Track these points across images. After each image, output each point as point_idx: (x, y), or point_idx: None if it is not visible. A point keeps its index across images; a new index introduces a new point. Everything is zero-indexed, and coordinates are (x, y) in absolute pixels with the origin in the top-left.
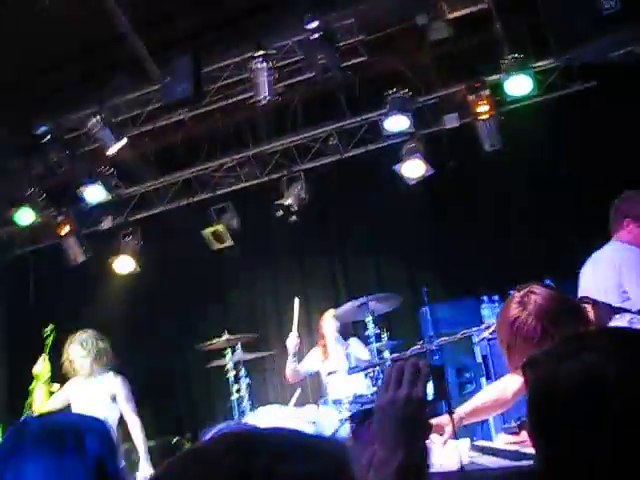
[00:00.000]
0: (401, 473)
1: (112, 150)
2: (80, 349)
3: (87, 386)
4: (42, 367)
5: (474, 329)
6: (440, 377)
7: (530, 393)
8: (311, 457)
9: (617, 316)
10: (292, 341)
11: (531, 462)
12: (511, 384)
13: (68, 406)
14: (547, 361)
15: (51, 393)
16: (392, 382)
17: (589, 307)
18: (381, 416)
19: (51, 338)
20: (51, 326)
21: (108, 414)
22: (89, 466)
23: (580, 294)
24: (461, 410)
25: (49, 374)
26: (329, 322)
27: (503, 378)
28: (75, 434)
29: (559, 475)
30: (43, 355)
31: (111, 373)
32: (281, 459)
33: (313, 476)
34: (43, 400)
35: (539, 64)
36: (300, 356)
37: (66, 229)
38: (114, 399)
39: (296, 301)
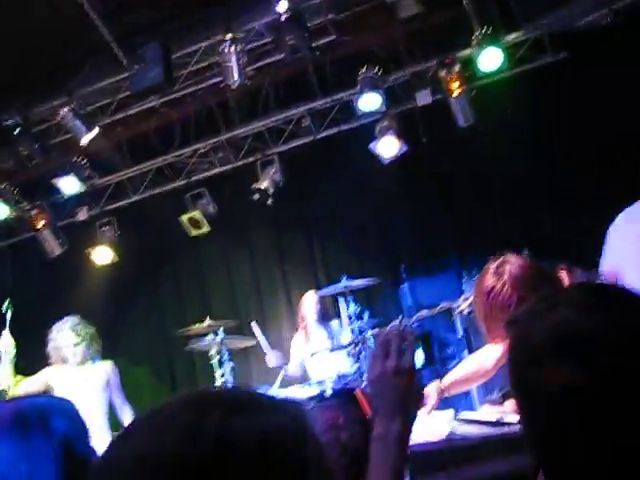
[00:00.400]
0: (399, 443)
1: (84, 140)
2: (73, 336)
3: (79, 373)
4: (6, 341)
5: (453, 302)
6: (427, 344)
7: (509, 352)
8: (266, 412)
9: None
10: (272, 360)
11: (512, 429)
12: (491, 354)
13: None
14: (524, 319)
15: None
16: (379, 355)
17: (564, 274)
18: (373, 390)
19: (10, 313)
20: (8, 300)
21: (101, 402)
22: (57, 448)
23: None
24: (442, 383)
25: (14, 350)
26: (309, 303)
27: (483, 349)
28: (41, 416)
29: (541, 434)
30: (5, 330)
31: (102, 360)
32: (234, 413)
33: (266, 430)
34: (9, 376)
35: (509, 38)
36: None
37: (41, 222)
38: (106, 386)
39: (254, 325)
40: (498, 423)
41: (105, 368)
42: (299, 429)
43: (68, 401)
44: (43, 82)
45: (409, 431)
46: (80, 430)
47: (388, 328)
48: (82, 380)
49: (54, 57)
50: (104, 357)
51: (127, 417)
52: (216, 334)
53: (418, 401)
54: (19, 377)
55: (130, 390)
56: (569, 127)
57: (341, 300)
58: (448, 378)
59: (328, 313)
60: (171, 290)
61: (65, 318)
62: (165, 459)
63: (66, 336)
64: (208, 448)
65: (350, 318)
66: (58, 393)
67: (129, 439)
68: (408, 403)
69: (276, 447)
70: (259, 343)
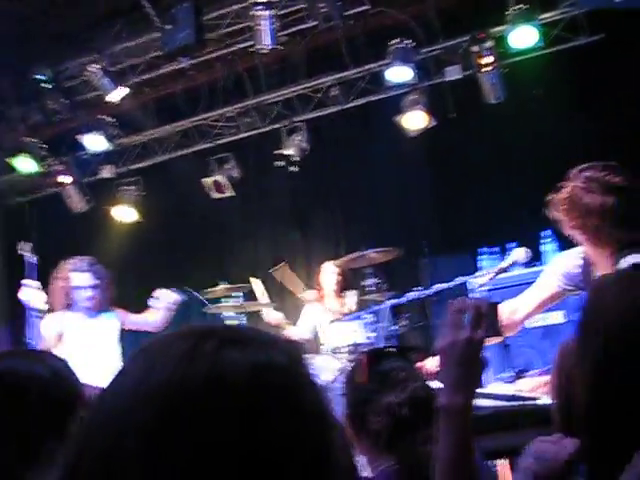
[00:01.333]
0: (463, 415)
1: (112, 98)
2: (90, 277)
3: (93, 322)
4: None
5: (472, 276)
6: (494, 315)
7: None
8: (262, 347)
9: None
10: (270, 315)
11: (527, 403)
12: (524, 305)
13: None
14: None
15: None
16: (452, 323)
17: None
18: (442, 358)
19: (34, 259)
20: (30, 246)
21: (116, 354)
22: None
23: None
24: None
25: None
26: (328, 273)
27: (517, 298)
28: None
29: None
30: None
31: (113, 310)
32: (230, 345)
33: (260, 365)
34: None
35: (545, 16)
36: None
37: (67, 178)
38: (122, 332)
39: (253, 280)
40: (513, 397)
41: (118, 314)
42: (295, 370)
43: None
44: (74, 38)
45: (471, 404)
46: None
47: (405, 298)
48: (97, 330)
49: (86, 14)
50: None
51: None
52: (233, 297)
53: (482, 373)
54: None
55: None
56: (601, 109)
57: (359, 272)
58: None
59: (346, 283)
60: (191, 252)
61: (79, 257)
62: (158, 385)
63: (83, 277)
64: (201, 374)
65: (368, 288)
66: (71, 344)
67: (127, 370)
68: (474, 376)
69: (268, 382)
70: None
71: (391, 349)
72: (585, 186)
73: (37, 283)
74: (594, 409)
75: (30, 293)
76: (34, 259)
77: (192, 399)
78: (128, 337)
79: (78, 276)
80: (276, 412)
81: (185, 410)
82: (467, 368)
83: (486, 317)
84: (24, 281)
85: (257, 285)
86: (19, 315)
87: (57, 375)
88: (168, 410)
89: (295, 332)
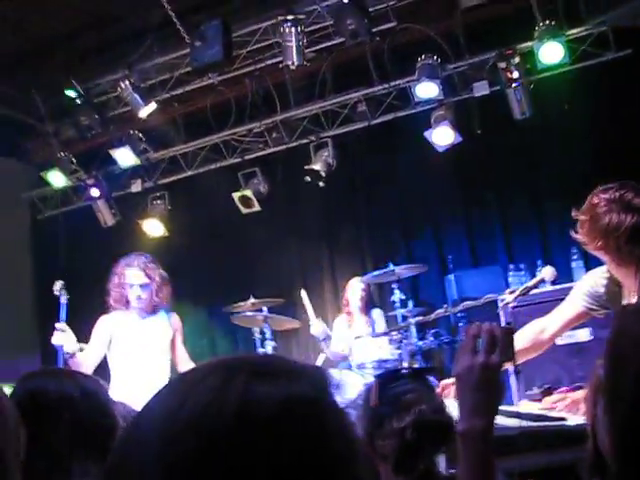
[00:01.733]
0: (483, 440)
1: (143, 114)
2: (141, 275)
3: (143, 323)
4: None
5: (499, 293)
6: (509, 339)
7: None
8: (290, 379)
9: None
10: (317, 328)
11: (553, 423)
12: (551, 324)
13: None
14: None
15: None
16: (468, 348)
17: None
18: (458, 384)
19: (64, 297)
20: (61, 284)
21: (165, 361)
22: None
23: None
24: None
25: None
26: (355, 289)
27: (544, 317)
28: None
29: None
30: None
31: (169, 312)
32: (260, 379)
33: (288, 398)
34: None
35: (572, 32)
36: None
37: (96, 192)
38: (171, 342)
39: (303, 293)
40: (540, 417)
41: (173, 321)
42: (321, 400)
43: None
44: (105, 55)
45: (492, 427)
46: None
47: (433, 316)
48: (146, 333)
49: (118, 30)
50: None
51: None
52: (260, 312)
53: (501, 398)
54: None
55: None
56: (629, 124)
57: (386, 287)
58: None
59: (373, 300)
60: (218, 267)
61: (135, 253)
62: (188, 421)
63: (134, 273)
64: (231, 411)
65: (394, 305)
66: (120, 346)
67: (158, 402)
68: (492, 400)
69: (295, 415)
70: (306, 314)
71: (404, 371)
72: (604, 206)
73: (65, 325)
74: (623, 456)
75: (62, 337)
76: (65, 298)
77: (223, 435)
78: None
79: (130, 272)
80: (303, 446)
81: (214, 447)
82: (484, 393)
83: (501, 342)
84: (57, 325)
85: (305, 298)
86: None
87: (87, 395)
88: (198, 446)
89: (334, 348)
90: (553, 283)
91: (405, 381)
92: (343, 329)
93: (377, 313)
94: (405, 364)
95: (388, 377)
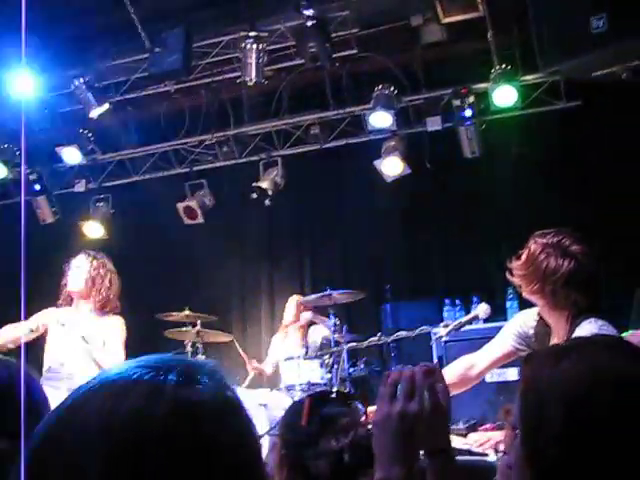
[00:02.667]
0: None
1: (94, 114)
2: (83, 261)
3: (82, 321)
4: None
5: (433, 326)
6: (435, 381)
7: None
8: (215, 379)
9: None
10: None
11: (477, 458)
12: (480, 361)
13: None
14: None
15: None
16: (386, 396)
17: None
18: (376, 432)
19: None
20: None
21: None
22: None
23: None
24: None
25: None
26: (291, 308)
27: (474, 354)
28: None
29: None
30: None
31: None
32: (189, 380)
33: (223, 397)
34: None
35: (526, 78)
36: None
37: (37, 188)
38: (103, 344)
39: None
40: (464, 451)
41: (113, 321)
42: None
43: None
44: (62, 50)
45: (411, 476)
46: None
47: (365, 344)
48: (81, 330)
49: (78, 27)
50: None
51: None
52: (193, 325)
53: (420, 448)
54: None
55: None
56: (573, 174)
57: (322, 311)
58: None
59: (309, 321)
60: (155, 276)
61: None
62: (122, 422)
63: (77, 258)
64: (166, 411)
65: (329, 329)
66: (50, 343)
67: (89, 401)
68: (411, 448)
69: (219, 411)
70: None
71: (334, 395)
72: (542, 251)
73: None
74: None
75: None
76: None
77: (157, 434)
78: None
79: (75, 259)
80: (234, 441)
81: (150, 443)
82: (402, 441)
83: (424, 387)
84: None
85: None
86: None
87: (13, 379)
88: (136, 442)
89: (263, 366)
90: (486, 320)
91: (335, 404)
92: (278, 347)
93: (313, 334)
94: (334, 389)
95: (319, 398)
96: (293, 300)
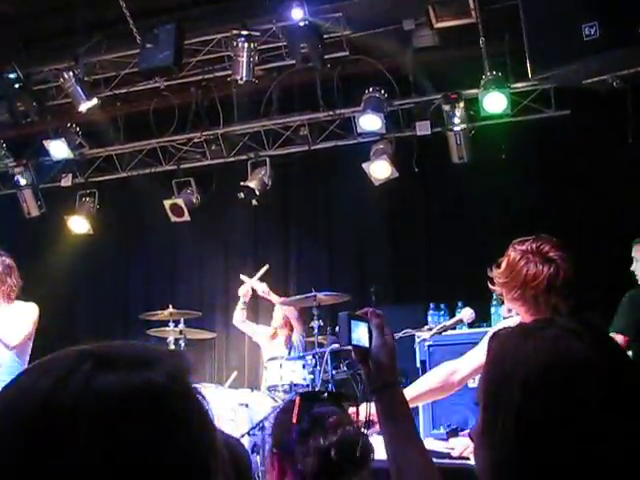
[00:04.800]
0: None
1: (82, 108)
2: None
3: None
4: None
5: (417, 330)
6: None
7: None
8: (140, 368)
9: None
10: (243, 289)
11: (457, 462)
12: (462, 367)
13: None
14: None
15: None
16: (380, 328)
17: None
18: (376, 352)
19: None
20: None
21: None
22: None
23: None
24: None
25: None
26: (278, 309)
27: (457, 360)
28: None
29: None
30: None
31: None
32: (105, 368)
33: (131, 387)
34: None
35: (516, 85)
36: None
37: (24, 181)
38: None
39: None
40: (443, 455)
41: (29, 308)
42: (171, 386)
43: None
44: (52, 43)
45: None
46: None
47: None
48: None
49: (69, 20)
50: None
51: None
52: (177, 324)
53: None
54: None
55: None
56: (559, 181)
57: (307, 313)
58: (411, 390)
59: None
60: (140, 273)
61: None
62: (28, 407)
63: None
64: (71, 399)
65: (313, 331)
66: None
67: (10, 389)
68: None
69: (138, 406)
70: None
71: (325, 393)
72: (522, 257)
73: None
74: None
75: None
76: None
77: (60, 424)
78: None
79: None
80: (145, 438)
81: (50, 436)
82: (393, 359)
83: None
84: None
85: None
86: None
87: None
88: (33, 434)
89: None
90: (471, 326)
91: (326, 403)
92: (265, 337)
93: (297, 335)
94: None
95: (309, 397)
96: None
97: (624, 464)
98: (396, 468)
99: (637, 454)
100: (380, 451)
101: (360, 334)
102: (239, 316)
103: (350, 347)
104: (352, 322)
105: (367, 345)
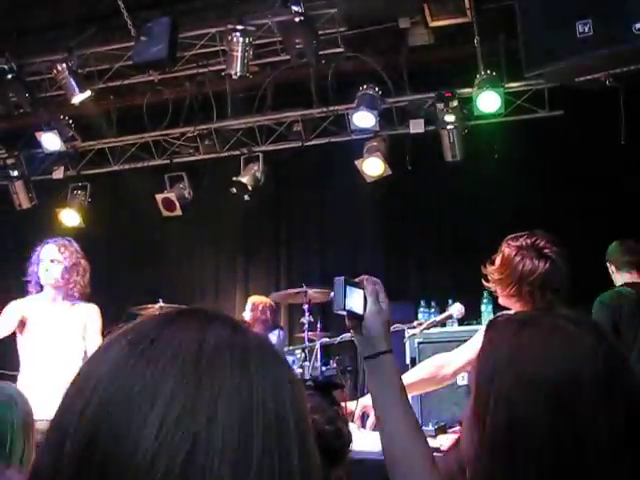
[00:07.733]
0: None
1: (76, 100)
2: (55, 251)
3: (56, 309)
4: None
5: (407, 325)
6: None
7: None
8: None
9: None
10: None
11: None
12: (453, 361)
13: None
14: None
15: None
16: (375, 295)
17: None
18: (372, 320)
19: None
20: None
21: (75, 349)
22: None
23: None
24: None
25: None
26: (247, 308)
27: (448, 353)
28: None
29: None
30: None
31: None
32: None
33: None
34: None
35: (510, 85)
36: None
37: (15, 173)
38: (84, 332)
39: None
40: (434, 450)
41: (88, 309)
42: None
43: None
44: (46, 35)
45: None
46: None
47: (338, 339)
48: (57, 317)
49: (63, 11)
50: None
51: None
52: None
53: None
54: None
55: None
56: (552, 180)
57: (297, 308)
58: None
59: (274, 322)
60: (131, 266)
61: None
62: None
63: (47, 248)
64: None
65: (303, 326)
66: (30, 329)
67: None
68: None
69: None
70: None
71: (309, 383)
72: (517, 253)
73: None
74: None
75: None
76: None
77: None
78: None
79: (44, 248)
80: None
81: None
82: (388, 327)
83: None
84: None
85: None
86: None
87: None
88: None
89: None
90: (461, 323)
91: (313, 392)
92: None
93: (286, 330)
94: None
95: None
96: (250, 301)
97: (617, 449)
98: (386, 435)
99: (631, 439)
100: (368, 444)
101: (355, 301)
102: None
103: (344, 312)
104: (347, 288)
105: (361, 312)
